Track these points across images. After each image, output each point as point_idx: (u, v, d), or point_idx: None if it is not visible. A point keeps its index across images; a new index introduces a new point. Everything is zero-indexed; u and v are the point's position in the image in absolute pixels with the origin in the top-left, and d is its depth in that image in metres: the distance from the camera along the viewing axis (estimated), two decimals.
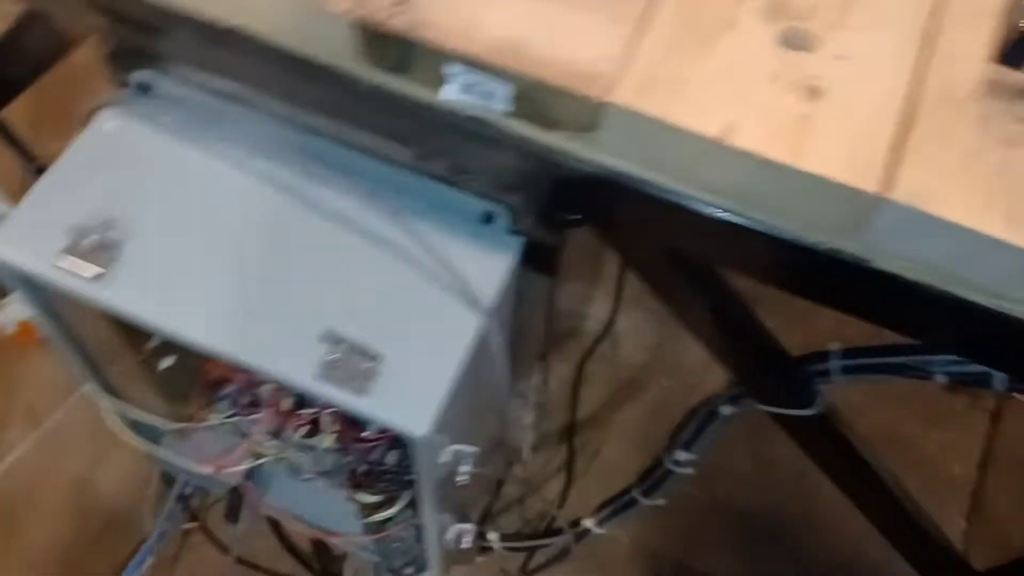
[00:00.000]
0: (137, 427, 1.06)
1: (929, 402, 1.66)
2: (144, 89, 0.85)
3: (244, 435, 1.01)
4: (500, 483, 1.43)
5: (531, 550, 1.40)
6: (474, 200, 0.80)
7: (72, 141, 0.83)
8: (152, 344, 0.93)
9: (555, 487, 1.60)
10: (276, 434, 0.96)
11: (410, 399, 0.74)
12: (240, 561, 1.45)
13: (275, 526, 1.44)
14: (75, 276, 0.76)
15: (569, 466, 1.58)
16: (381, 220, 0.79)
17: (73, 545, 1.55)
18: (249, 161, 0.83)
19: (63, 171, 0.82)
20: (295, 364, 0.74)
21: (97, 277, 0.76)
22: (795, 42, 0.63)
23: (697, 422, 0.98)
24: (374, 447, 0.95)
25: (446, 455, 0.81)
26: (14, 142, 1.12)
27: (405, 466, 0.94)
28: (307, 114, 0.80)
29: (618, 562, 1.55)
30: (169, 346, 0.97)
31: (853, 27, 0.64)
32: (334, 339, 0.74)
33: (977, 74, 0.62)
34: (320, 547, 1.45)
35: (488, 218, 0.80)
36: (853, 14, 0.64)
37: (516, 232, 0.81)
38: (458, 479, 0.83)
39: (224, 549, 1.44)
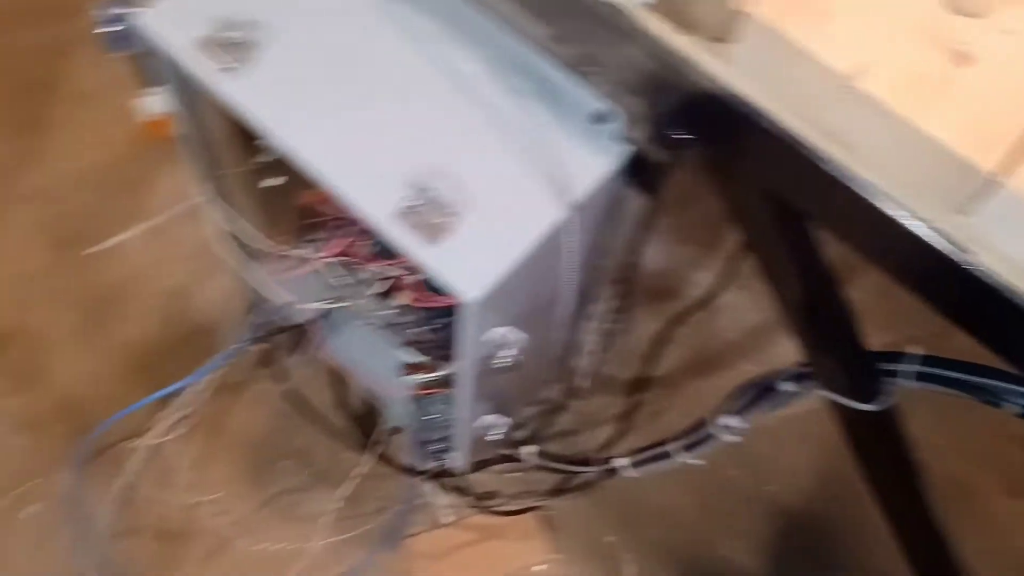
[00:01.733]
0: (235, 243, 1.12)
1: (1012, 467, 1.56)
2: None
3: (323, 273, 1.05)
4: (555, 408, 1.44)
5: (559, 473, 1.40)
6: (591, 97, 0.79)
7: None
8: (261, 159, 0.97)
9: (609, 432, 1.59)
10: (352, 276, 1.00)
11: (472, 263, 0.74)
12: (292, 403, 1.51)
13: (335, 381, 1.49)
14: (207, 62, 0.79)
15: (629, 415, 1.58)
16: (500, 92, 0.80)
17: (154, 346, 1.64)
18: (394, 6, 0.84)
19: None
20: (376, 198, 0.76)
21: (226, 69, 0.79)
22: (961, 5, 0.59)
23: (753, 392, 0.96)
24: (436, 317, 0.97)
25: (493, 334, 0.82)
26: None
27: None
28: None
29: (638, 515, 1.54)
30: (278, 167, 1.01)
31: None
32: (419, 186, 0.76)
33: None
34: (368, 414, 1.50)
35: (600, 118, 0.79)
36: None
37: (626, 140, 0.80)
38: (495, 362, 0.83)
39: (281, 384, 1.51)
